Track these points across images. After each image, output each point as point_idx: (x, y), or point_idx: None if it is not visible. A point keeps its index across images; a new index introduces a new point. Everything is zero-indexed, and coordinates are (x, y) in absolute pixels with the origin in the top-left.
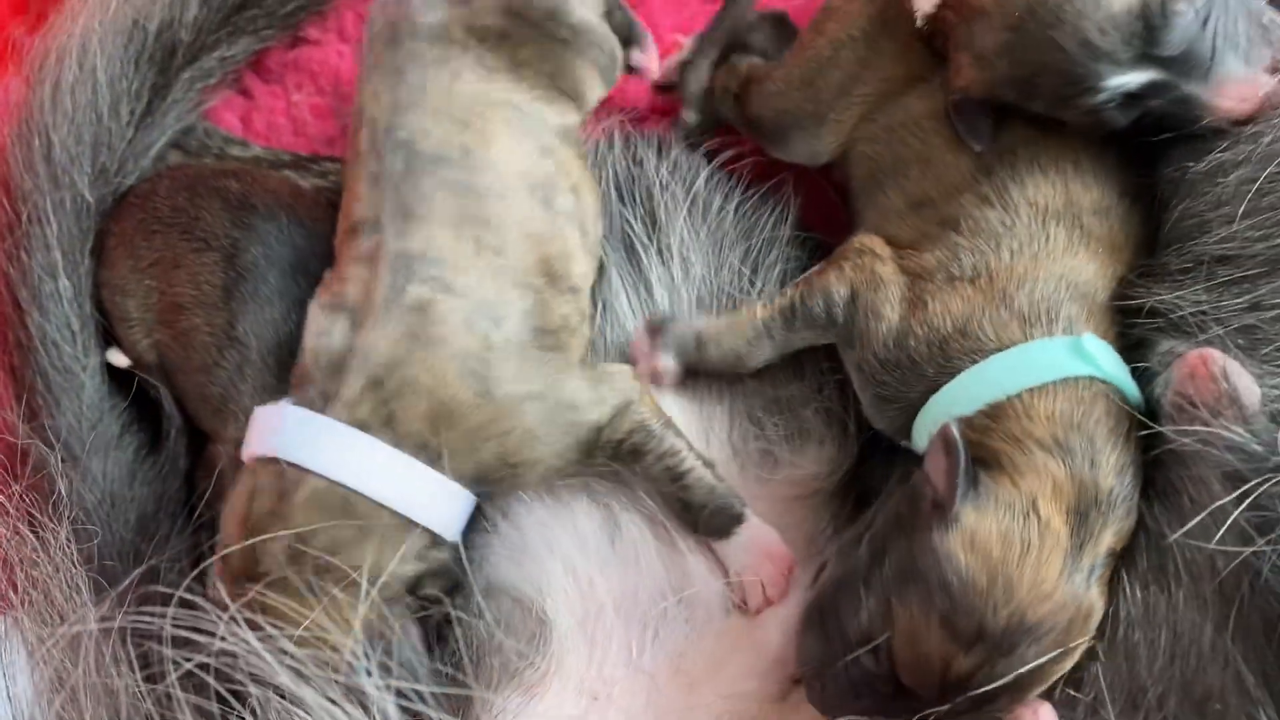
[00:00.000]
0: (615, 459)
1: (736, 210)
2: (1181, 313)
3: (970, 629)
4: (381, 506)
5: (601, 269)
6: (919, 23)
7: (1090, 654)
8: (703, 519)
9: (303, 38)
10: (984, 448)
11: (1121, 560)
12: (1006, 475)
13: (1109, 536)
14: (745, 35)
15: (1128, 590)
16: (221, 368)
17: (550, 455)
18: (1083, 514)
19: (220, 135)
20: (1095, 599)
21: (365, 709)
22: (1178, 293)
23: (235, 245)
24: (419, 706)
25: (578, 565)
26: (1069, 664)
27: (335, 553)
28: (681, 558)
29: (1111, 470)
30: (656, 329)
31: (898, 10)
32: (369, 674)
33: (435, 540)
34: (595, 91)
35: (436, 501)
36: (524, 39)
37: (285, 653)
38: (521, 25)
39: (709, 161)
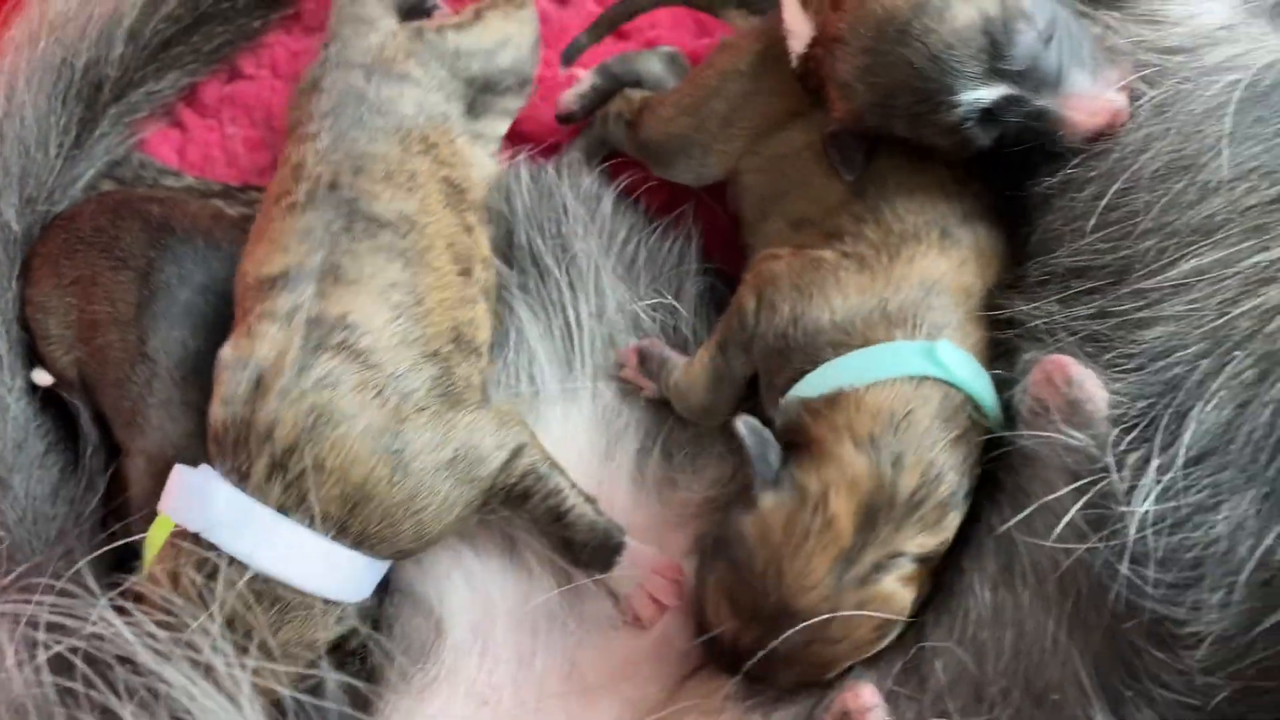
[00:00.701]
0: (505, 504)
1: (642, 239)
2: (1036, 322)
3: (747, 605)
4: (307, 594)
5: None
6: (794, 64)
7: (936, 650)
8: (584, 555)
9: (238, 73)
10: (809, 433)
11: (965, 559)
12: (814, 465)
13: (903, 537)
14: (640, 71)
15: (977, 591)
16: (132, 382)
17: (458, 518)
18: (872, 512)
19: (155, 166)
20: (876, 595)
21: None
22: (1034, 304)
23: (150, 265)
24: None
25: (475, 573)
26: (855, 654)
27: (262, 632)
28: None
29: (917, 471)
30: (652, 364)
31: (780, 50)
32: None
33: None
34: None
35: (360, 578)
36: (483, 108)
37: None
38: (484, 94)
39: (614, 191)
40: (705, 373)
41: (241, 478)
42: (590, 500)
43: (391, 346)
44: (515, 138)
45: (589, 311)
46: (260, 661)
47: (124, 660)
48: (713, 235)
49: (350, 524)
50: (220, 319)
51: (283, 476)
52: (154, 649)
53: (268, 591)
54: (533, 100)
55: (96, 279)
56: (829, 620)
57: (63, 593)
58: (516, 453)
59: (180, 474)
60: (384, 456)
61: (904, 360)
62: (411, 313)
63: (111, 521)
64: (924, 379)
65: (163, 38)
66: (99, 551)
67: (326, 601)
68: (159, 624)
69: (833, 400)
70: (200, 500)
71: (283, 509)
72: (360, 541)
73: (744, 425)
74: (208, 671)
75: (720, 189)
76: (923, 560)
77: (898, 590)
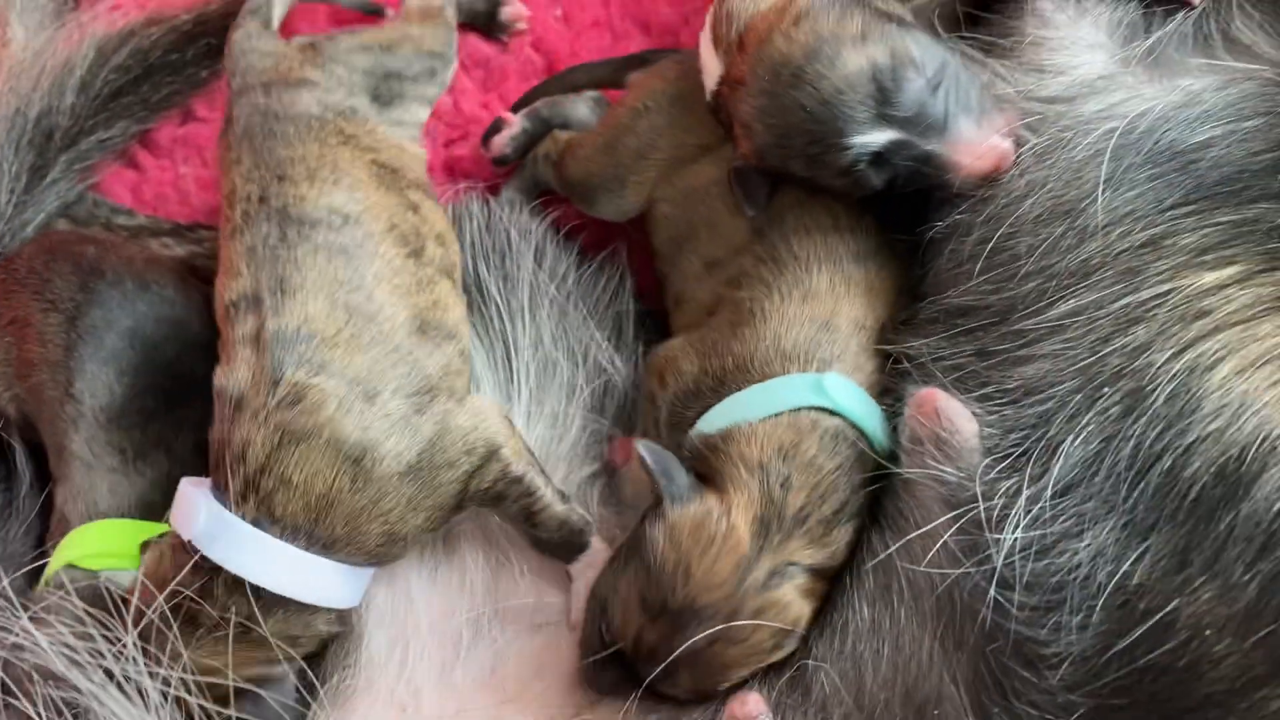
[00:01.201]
0: (481, 504)
1: (578, 275)
2: (924, 359)
3: (656, 603)
4: (288, 598)
5: None
6: (708, 98)
7: (819, 663)
8: (549, 547)
9: (191, 115)
10: (710, 463)
11: (850, 579)
12: (717, 487)
13: (794, 548)
14: (567, 114)
15: (856, 606)
16: (61, 419)
17: (427, 520)
18: (766, 526)
19: (108, 205)
20: (773, 600)
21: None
22: (924, 340)
23: (78, 309)
24: None
25: (398, 583)
26: (753, 659)
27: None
28: (500, 580)
29: (803, 492)
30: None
31: (693, 85)
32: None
33: (340, 612)
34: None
35: (335, 584)
36: (393, 96)
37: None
38: (390, 82)
39: (551, 228)
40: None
41: (224, 494)
42: (565, 498)
43: (348, 352)
44: (462, 175)
45: (527, 342)
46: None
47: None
48: (646, 272)
49: (316, 531)
50: (147, 361)
51: (255, 494)
52: (70, 659)
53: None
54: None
55: (30, 320)
56: (731, 618)
57: None
58: (488, 457)
59: (181, 487)
60: (345, 467)
61: (795, 393)
62: (364, 310)
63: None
64: (812, 409)
65: (113, 88)
66: (19, 572)
67: (302, 605)
68: (76, 635)
69: (729, 435)
70: (190, 512)
71: (257, 522)
72: (329, 546)
73: (645, 448)
74: (124, 681)
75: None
76: (814, 572)
77: (794, 599)
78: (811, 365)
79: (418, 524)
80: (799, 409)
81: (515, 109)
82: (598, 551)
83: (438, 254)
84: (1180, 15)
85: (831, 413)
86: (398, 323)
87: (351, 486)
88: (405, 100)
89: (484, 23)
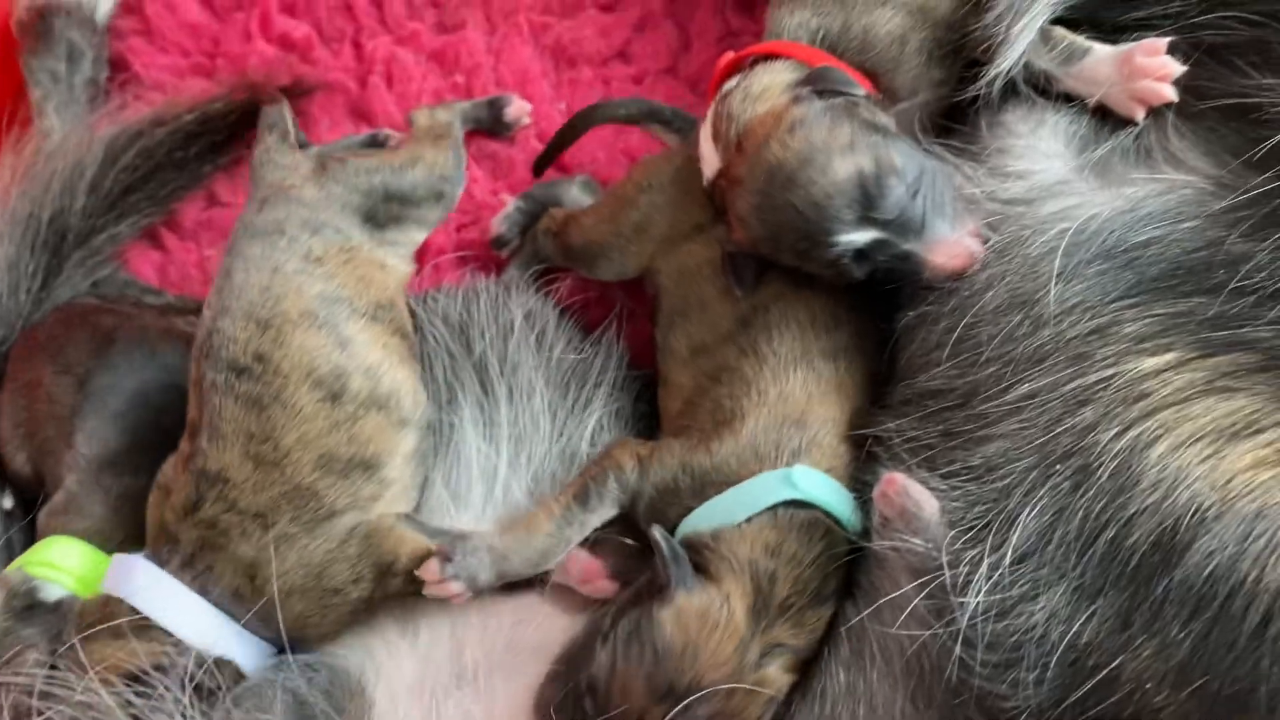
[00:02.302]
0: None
1: (578, 351)
2: (894, 440)
3: (663, 684)
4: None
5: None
6: (705, 183)
7: None
8: None
9: (215, 200)
10: (705, 559)
11: (828, 647)
12: (715, 579)
13: (780, 632)
14: (559, 194)
15: (833, 672)
16: (61, 465)
17: (335, 625)
18: (758, 613)
19: (138, 285)
20: (764, 678)
21: None
22: (896, 421)
23: (89, 372)
24: None
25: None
26: None
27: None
28: (473, 636)
29: (788, 583)
30: (445, 557)
31: (694, 169)
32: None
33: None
34: (423, 235)
35: (237, 647)
36: (392, 218)
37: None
38: (391, 204)
39: (553, 306)
40: (553, 525)
41: (164, 563)
42: None
43: (254, 492)
44: (473, 260)
45: (526, 426)
46: None
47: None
48: (641, 347)
49: (245, 593)
50: (146, 422)
51: (190, 569)
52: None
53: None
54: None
55: (42, 381)
56: (732, 695)
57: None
58: (380, 577)
59: (116, 560)
60: (243, 580)
61: (769, 491)
62: (269, 458)
63: None
64: (788, 503)
65: (122, 186)
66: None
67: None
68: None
69: (719, 535)
70: (126, 575)
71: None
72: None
73: (660, 535)
74: None
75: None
76: (797, 650)
77: (779, 675)
78: (781, 461)
79: (323, 630)
80: (775, 506)
81: (541, 161)
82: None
83: (364, 389)
84: (1125, 130)
85: (804, 505)
86: (301, 465)
87: (253, 594)
88: (404, 223)
89: (489, 126)
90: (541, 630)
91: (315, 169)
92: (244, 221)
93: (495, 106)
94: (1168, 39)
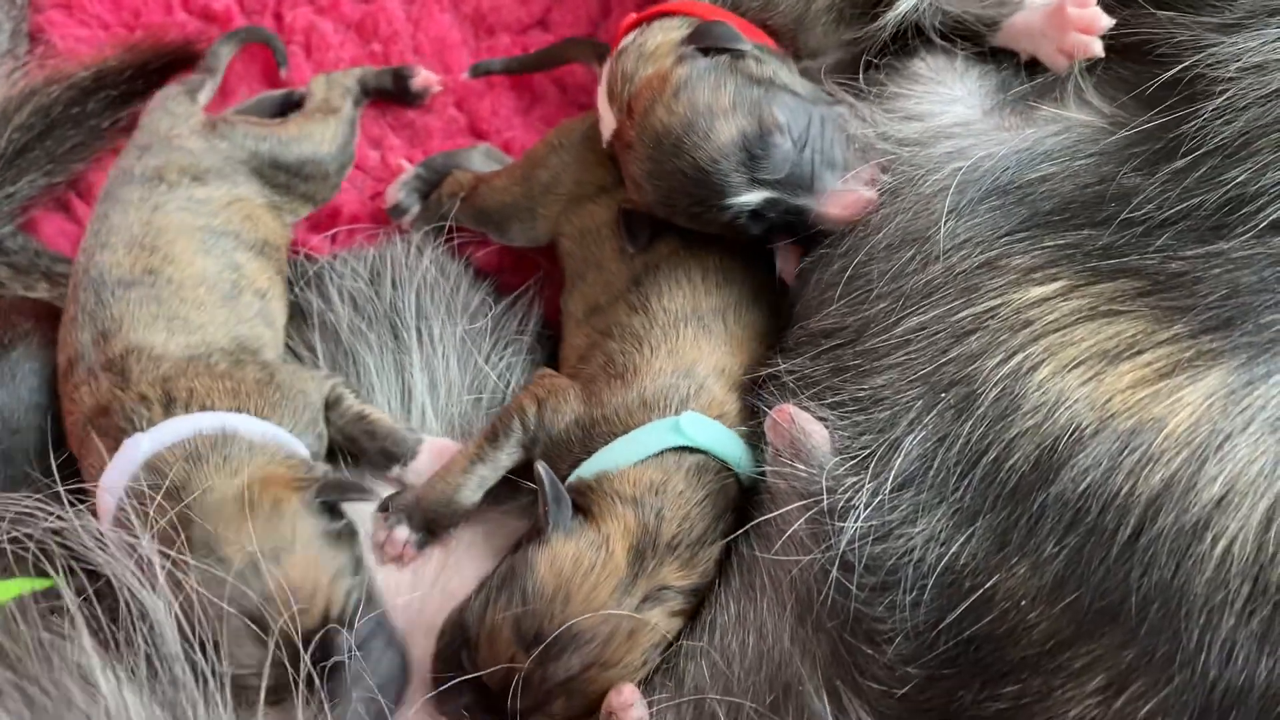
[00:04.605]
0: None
1: (491, 308)
2: (786, 379)
3: (531, 631)
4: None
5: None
6: (604, 144)
7: (690, 654)
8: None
9: None
10: (590, 499)
11: (719, 580)
12: (596, 520)
13: (667, 572)
14: (461, 162)
15: (724, 603)
16: None
17: None
18: (641, 553)
19: (48, 255)
20: (646, 622)
21: None
22: (790, 362)
23: None
24: None
25: None
26: (617, 675)
27: None
28: None
29: (674, 522)
30: (384, 513)
31: (597, 131)
32: None
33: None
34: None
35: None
36: (281, 185)
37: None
38: (278, 172)
39: (465, 264)
40: (465, 464)
41: (148, 424)
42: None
43: (169, 340)
44: (385, 222)
45: (440, 373)
46: None
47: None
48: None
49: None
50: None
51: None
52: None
53: None
54: None
55: None
56: (608, 642)
57: None
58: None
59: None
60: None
61: (657, 437)
62: (182, 323)
63: None
64: (675, 449)
65: (16, 146)
66: None
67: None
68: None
69: (603, 477)
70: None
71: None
72: None
73: (545, 471)
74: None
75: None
76: (685, 593)
77: (663, 621)
78: (670, 410)
79: None
80: (663, 451)
81: (475, 71)
82: (434, 442)
83: (254, 304)
84: (1032, 75)
85: (692, 450)
86: (220, 338)
87: None
88: (291, 195)
89: (397, 96)
90: None
91: (205, 123)
92: (121, 168)
93: (400, 76)
94: None
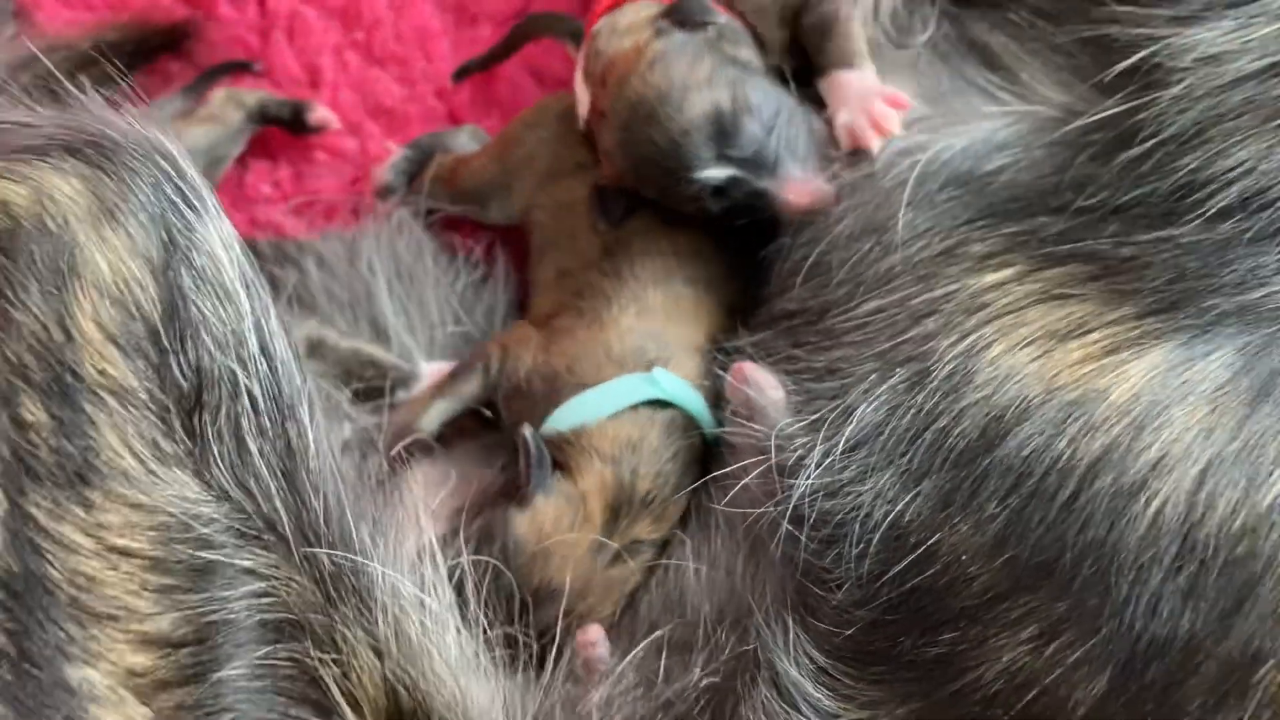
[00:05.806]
0: None
1: (470, 275)
2: (752, 349)
3: (509, 588)
4: None
5: None
6: (580, 123)
7: (645, 587)
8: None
9: None
10: (565, 454)
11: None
12: (573, 477)
13: (640, 528)
14: (446, 143)
15: (680, 539)
16: None
17: None
18: (616, 509)
19: None
20: (619, 574)
21: None
22: (755, 337)
23: None
24: None
25: None
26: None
27: None
28: None
29: (649, 478)
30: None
31: (573, 110)
32: None
33: None
34: None
35: None
36: None
37: None
38: None
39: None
40: (431, 397)
41: None
42: None
43: None
44: (365, 210)
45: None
46: None
47: None
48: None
49: None
50: None
51: None
52: None
53: None
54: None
55: None
56: (584, 597)
57: None
58: None
59: None
60: None
61: (632, 390)
62: None
63: None
64: (649, 403)
65: None
66: None
67: None
68: None
69: (581, 431)
70: None
71: None
72: None
73: (530, 435)
74: None
75: None
76: (657, 546)
77: (636, 574)
78: (639, 367)
79: None
80: (638, 404)
81: (458, 75)
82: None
83: None
84: (988, 70)
85: (665, 405)
86: None
87: None
88: None
89: (292, 127)
90: None
91: None
92: None
93: (298, 109)
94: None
